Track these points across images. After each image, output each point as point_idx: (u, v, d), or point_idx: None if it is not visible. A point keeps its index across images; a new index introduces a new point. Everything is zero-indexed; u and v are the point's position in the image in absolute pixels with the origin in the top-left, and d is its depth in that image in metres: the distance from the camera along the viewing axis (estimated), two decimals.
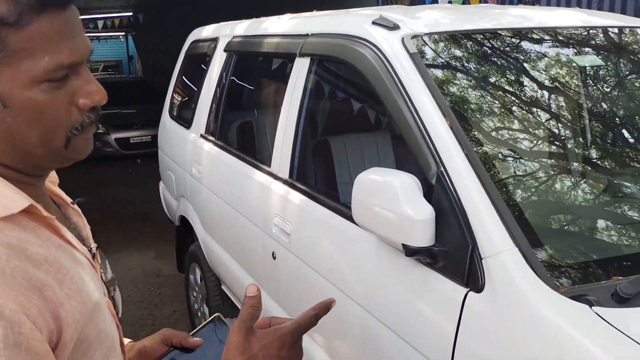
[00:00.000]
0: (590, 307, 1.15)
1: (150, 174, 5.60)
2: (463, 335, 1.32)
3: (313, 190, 2.07)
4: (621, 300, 1.17)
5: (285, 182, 2.20)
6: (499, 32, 1.95)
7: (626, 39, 2.15)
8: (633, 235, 1.43)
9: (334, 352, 1.89)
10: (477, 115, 1.65)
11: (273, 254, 2.21)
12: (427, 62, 1.72)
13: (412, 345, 1.47)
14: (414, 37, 1.80)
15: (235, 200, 2.61)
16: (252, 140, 2.93)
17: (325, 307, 0.90)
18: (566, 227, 1.45)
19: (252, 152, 2.84)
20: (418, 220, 1.39)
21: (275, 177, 2.27)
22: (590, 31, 2.09)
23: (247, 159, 2.60)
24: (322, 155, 2.38)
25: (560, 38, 2.00)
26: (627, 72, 2.06)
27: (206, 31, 3.65)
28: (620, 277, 1.24)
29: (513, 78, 1.82)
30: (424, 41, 1.81)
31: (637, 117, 1.93)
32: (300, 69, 2.24)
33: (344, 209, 1.83)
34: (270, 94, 2.77)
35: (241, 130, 3.02)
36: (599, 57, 2.01)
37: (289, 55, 2.38)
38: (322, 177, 2.33)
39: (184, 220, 3.54)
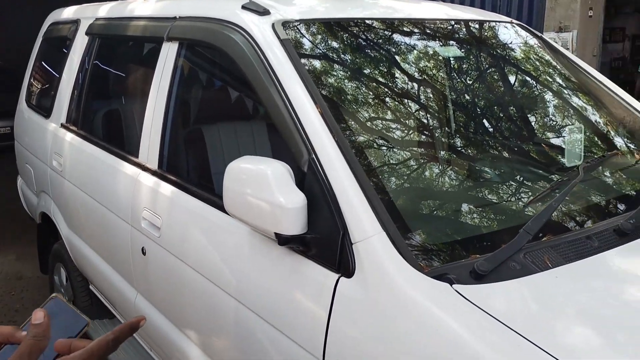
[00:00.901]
0: (451, 285, 1.20)
1: (9, 168, 5.11)
2: (335, 320, 1.32)
3: (184, 181, 1.98)
4: (478, 277, 1.24)
5: (154, 173, 2.09)
6: (370, 22, 1.98)
7: (485, 33, 2.29)
8: (490, 216, 1.52)
9: (209, 348, 1.83)
10: (348, 104, 1.66)
11: (143, 250, 2.09)
12: (298, 49, 1.71)
13: (287, 335, 1.45)
14: (285, 23, 1.77)
15: (101, 194, 2.44)
16: (119, 130, 2.75)
17: (128, 329, 0.79)
18: (430, 211, 1.50)
19: (119, 143, 2.66)
20: (290, 208, 1.37)
21: (144, 168, 2.15)
22: (454, 24, 2.20)
23: (114, 150, 2.43)
24: (195, 145, 2.29)
25: (427, 30, 2.08)
26: (486, 64, 2.19)
27: (66, 13, 3.37)
28: (478, 255, 1.31)
29: (382, 67, 1.86)
30: (295, 28, 1.79)
31: (495, 107, 2.06)
32: (168, 53, 2.13)
33: (216, 200, 1.76)
34: (138, 80, 2.61)
35: (107, 119, 2.83)
36: (461, 49, 2.12)
37: (156, 39, 2.25)
38: (194, 168, 2.24)
39: (45, 217, 3.26)
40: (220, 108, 2.55)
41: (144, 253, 2.09)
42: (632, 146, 1.98)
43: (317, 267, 1.39)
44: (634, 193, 1.68)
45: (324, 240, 1.38)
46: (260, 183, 1.41)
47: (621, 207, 1.60)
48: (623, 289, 1.27)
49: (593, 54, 6.35)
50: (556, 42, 6.46)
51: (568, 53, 2.44)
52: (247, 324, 1.59)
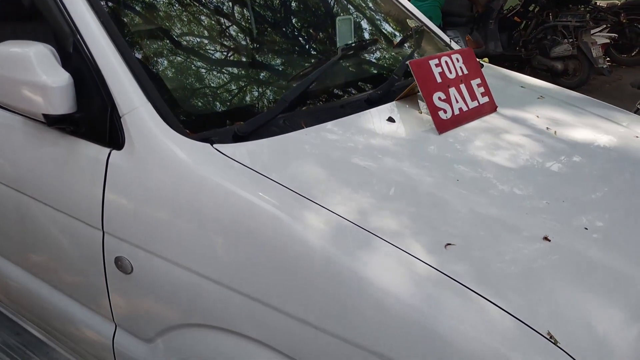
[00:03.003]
0: (212, 145, 1.34)
1: None
2: (109, 191, 1.40)
3: None
4: (238, 139, 1.39)
5: None
6: None
7: None
8: (257, 90, 1.67)
9: None
10: None
11: None
12: None
13: (69, 214, 1.50)
14: None
15: None
16: None
17: None
18: (198, 84, 1.61)
19: None
20: (55, 87, 1.38)
21: None
22: None
23: None
24: None
25: None
26: None
27: None
28: (242, 122, 1.46)
29: None
30: None
31: None
32: None
33: None
34: None
35: None
36: None
37: None
38: None
39: None
40: None
41: None
42: (391, 35, 2.25)
43: (90, 144, 1.44)
44: (385, 71, 1.94)
45: (93, 117, 1.42)
46: (24, 65, 1.40)
47: (373, 82, 1.84)
48: (362, 140, 1.50)
49: None
50: None
51: None
52: (31, 212, 1.61)
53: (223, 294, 1.25)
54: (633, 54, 7.67)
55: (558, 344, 0.98)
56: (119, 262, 1.42)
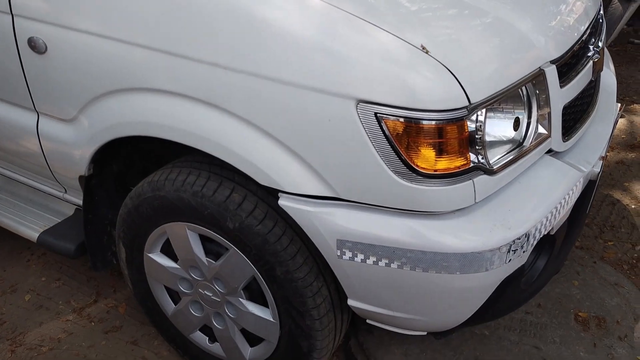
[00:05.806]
0: None
1: None
2: None
3: None
4: None
5: None
6: None
7: None
8: None
9: None
10: None
11: None
12: None
13: None
14: None
15: None
16: None
17: None
18: None
19: None
20: None
21: None
22: None
23: None
24: None
25: None
26: None
27: None
28: None
29: None
30: None
31: None
32: None
33: None
34: None
35: None
36: None
37: None
38: None
39: None
40: None
41: None
42: None
43: None
44: None
45: None
46: None
47: None
48: None
49: None
50: None
51: None
52: None
53: (139, 54, 1.34)
54: None
55: (429, 53, 1.17)
56: (32, 42, 1.46)
